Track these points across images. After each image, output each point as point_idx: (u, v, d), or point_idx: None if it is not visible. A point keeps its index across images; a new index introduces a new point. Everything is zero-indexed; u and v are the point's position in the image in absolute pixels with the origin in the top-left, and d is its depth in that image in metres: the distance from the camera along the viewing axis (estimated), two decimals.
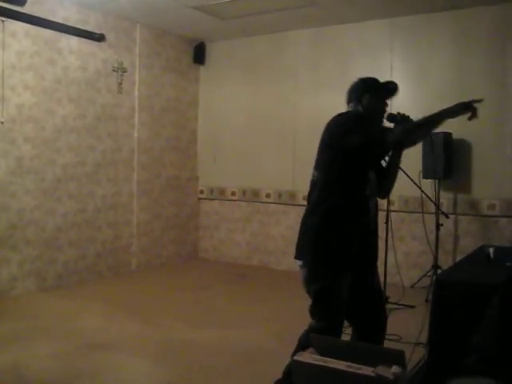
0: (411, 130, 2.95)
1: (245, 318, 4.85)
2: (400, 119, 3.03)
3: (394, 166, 3.06)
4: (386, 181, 3.06)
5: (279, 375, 3.03)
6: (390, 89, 3.11)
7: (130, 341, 4.21)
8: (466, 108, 2.93)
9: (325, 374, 2.24)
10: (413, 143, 3.04)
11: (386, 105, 3.10)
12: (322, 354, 2.38)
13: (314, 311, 2.96)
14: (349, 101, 3.15)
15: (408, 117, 3.04)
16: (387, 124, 3.04)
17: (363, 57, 6.54)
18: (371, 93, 3.06)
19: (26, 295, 5.50)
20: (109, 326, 4.58)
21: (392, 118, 3.04)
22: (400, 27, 6.29)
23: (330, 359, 2.30)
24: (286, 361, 2.91)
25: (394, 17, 6.24)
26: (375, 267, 3.14)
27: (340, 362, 2.27)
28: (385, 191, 3.14)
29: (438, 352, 3.11)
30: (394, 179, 3.08)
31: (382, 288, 3.65)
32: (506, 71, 5.70)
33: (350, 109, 3.13)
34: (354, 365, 2.24)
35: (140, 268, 6.86)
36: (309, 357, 2.36)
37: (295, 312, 5.06)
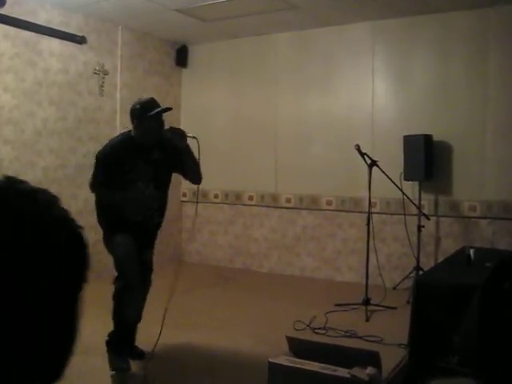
0: (104, 196, 3.71)
1: (226, 321, 4.84)
2: (172, 132, 3.65)
3: (186, 160, 3.70)
4: (187, 172, 3.82)
5: (257, 376, 3.03)
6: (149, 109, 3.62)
7: None
8: None
9: (300, 375, 2.25)
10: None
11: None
12: (297, 356, 2.39)
13: None
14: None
15: (178, 128, 3.77)
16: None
17: (345, 59, 6.57)
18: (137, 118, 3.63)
19: None
20: (95, 330, 4.53)
21: (167, 132, 3.65)
22: (382, 30, 6.33)
23: (305, 361, 2.31)
24: (263, 360, 2.90)
25: (375, 20, 6.28)
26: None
27: (315, 363, 2.28)
28: (193, 179, 3.85)
29: (418, 353, 3.13)
30: (193, 169, 3.75)
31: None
32: (487, 74, 5.76)
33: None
34: (330, 366, 2.25)
35: None
36: (284, 359, 2.37)
37: (276, 314, 5.08)
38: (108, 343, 3.70)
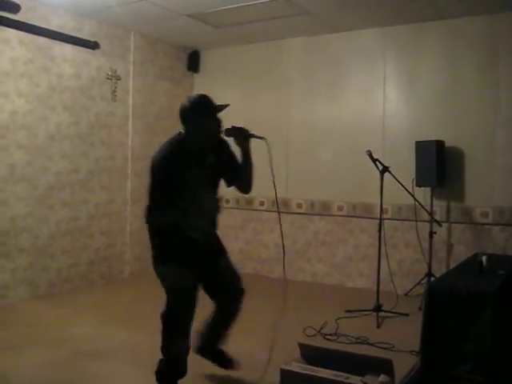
0: (168, 220, 3.17)
1: (237, 327, 4.83)
2: (235, 132, 3.26)
3: (244, 165, 3.35)
4: (240, 179, 3.41)
5: (271, 382, 3.03)
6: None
7: (123, 349, 4.19)
8: None
9: (313, 383, 2.24)
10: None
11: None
12: (309, 363, 2.38)
13: None
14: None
15: (242, 128, 3.31)
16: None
17: (356, 65, 6.57)
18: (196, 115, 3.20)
19: (18, 303, 5.47)
20: (101, 335, 4.56)
21: (228, 132, 3.26)
22: (392, 36, 6.32)
23: (318, 368, 2.30)
24: (275, 368, 2.89)
25: (386, 26, 6.27)
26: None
27: (328, 371, 2.27)
28: (244, 187, 3.47)
29: (430, 360, 3.11)
30: (248, 176, 3.41)
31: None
32: (498, 80, 5.73)
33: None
34: (342, 374, 2.24)
35: (133, 276, 6.83)
36: (297, 366, 2.36)
37: (287, 320, 5.06)
38: (157, 373, 3.33)
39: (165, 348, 3.29)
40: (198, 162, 3.17)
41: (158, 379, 3.32)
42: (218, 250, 3.48)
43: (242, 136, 3.24)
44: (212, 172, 3.25)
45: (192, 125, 3.18)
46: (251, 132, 3.23)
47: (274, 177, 3.33)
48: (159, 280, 3.27)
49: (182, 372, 3.35)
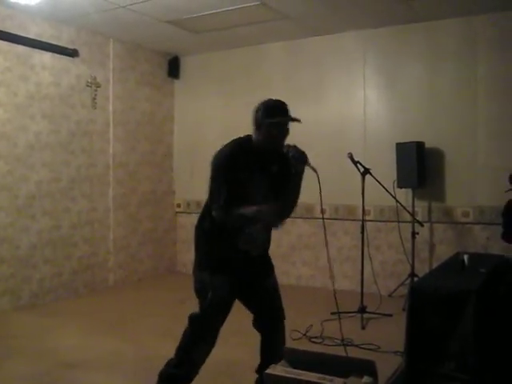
0: (234, 220, 2.93)
1: (221, 331, 4.82)
2: (295, 152, 3.05)
3: (291, 189, 3.13)
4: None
5: None
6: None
7: (108, 359, 4.16)
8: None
9: None
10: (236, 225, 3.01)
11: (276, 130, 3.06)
12: (293, 367, 2.38)
13: None
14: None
15: (303, 152, 3.10)
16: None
17: (337, 68, 6.62)
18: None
19: (0, 315, 5.40)
20: (86, 344, 4.52)
21: (289, 149, 3.06)
22: (372, 39, 6.38)
23: (301, 371, 2.30)
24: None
25: (366, 29, 6.32)
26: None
27: (312, 373, 2.27)
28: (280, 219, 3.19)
29: (415, 360, 3.13)
30: (290, 203, 3.18)
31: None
32: (477, 81, 5.81)
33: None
34: (326, 376, 2.24)
35: (117, 284, 6.79)
36: (281, 369, 2.35)
37: None
38: (161, 374, 3.17)
39: (182, 350, 3.12)
40: (262, 167, 3.04)
41: (161, 380, 3.16)
42: (267, 268, 3.27)
43: (301, 159, 3.06)
44: (274, 181, 3.09)
45: (258, 127, 3.08)
46: (309, 161, 3.10)
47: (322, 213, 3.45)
48: (195, 283, 3.11)
49: (190, 379, 3.17)
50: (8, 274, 5.58)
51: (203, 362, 3.13)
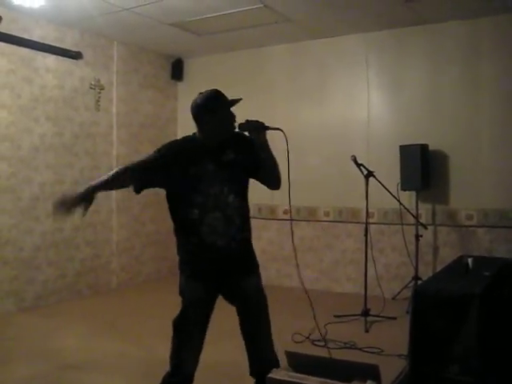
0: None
1: (224, 335, 4.82)
2: (249, 126, 3.06)
3: (263, 159, 3.14)
4: (264, 174, 3.21)
5: None
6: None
7: (111, 361, 4.16)
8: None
9: None
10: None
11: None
12: (296, 371, 2.37)
13: None
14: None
15: (257, 121, 3.09)
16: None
17: (340, 71, 6.61)
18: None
19: (4, 316, 5.41)
20: (89, 346, 4.52)
21: (243, 127, 3.07)
22: (375, 41, 6.37)
23: (304, 376, 2.29)
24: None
25: (368, 31, 6.32)
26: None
27: (315, 378, 2.26)
28: (271, 183, 3.33)
29: (418, 363, 3.12)
30: (272, 169, 3.23)
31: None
32: (480, 83, 5.80)
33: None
34: (329, 381, 2.23)
35: (120, 286, 6.79)
36: (284, 374, 2.35)
37: (275, 326, 5.05)
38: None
39: (172, 357, 3.10)
40: (212, 158, 2.98)
41: None
42: (247, 266, 3.15)
43: (257, 129, 3.06)
44: (231, 170, 3.02)
45: (204, 121, 3.03)
46: (266, 124, 3.08)
47: (289, 173, 3.31)
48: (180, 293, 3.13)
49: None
50: (12, 275, 5.59)
51: (194, 365, 3.09)
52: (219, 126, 3.01)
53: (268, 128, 3.08)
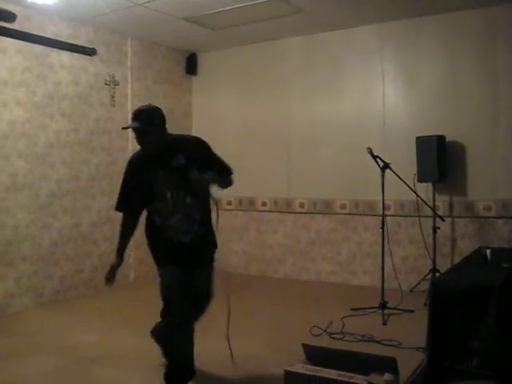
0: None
1: (242, 328, 4.83)
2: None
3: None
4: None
5: (272, 382, 3.02)
6: None
7: (129, 355, 4.18)
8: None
9: (317, 383, 2.23)
10: None
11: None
12: (314, 364, 2.37)
13: None
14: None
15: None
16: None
17: (354, 62, 6.56)
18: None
19: (23, 311, 5.47)
20: (107, 341, 4.55)
21: None
22: (390, 32, 6.31)
23: (321, 368, 2.29)
24: (280, 368, 2.88)
25: (383, 22, 6.26)
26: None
27: (332, 371, 2.25)
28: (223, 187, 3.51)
29: (437, 356, 3.09)
30: (221, 176, 3.42)
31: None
32: (497, 73, 5.71)
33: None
34: (347, 373, 2.23)
35: (138, 280, 6.83)
36: (301, 367, 2.35)
37: (293, 320, 5.06)
38: (166, 376, 3.36)
39: (168, 348, 3.41)
40: (162, 165, 3.27)
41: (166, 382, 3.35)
42: (203, 257, 3.51)
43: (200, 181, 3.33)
44: (183, 172, 3.25)
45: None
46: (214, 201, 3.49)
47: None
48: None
49: (189, 375, 3.38)
50: (31, 271, 5.64)
51: (191, 350, 3.38)
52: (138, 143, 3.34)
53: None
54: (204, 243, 3.47)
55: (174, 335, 3.28)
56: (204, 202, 3.43)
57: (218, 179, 3.40)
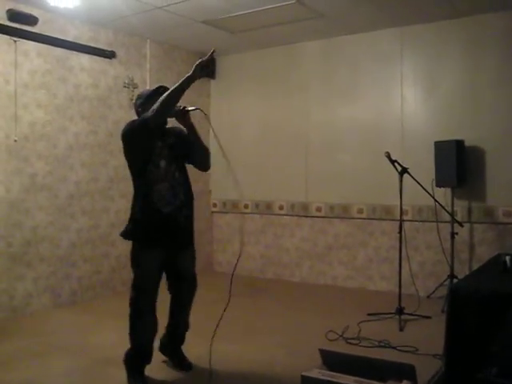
0: (163, 101, 3.46)
1: (258, 332, 4.83)
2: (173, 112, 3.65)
3: (194, 141, 3.72)
4: (195, 155, 3.78)
5: None
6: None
7: None
8: (204, 66, 3.65)
9: None
10: (169, 111, 3.57)
11: None
12: (331, 369, 2.35)
13: None
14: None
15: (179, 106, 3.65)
16: None
17: (374, 66, 6.53)
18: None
19: (41, 311, 5.52)
20: (124, 341, 4.56)
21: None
22: (410, 36, 6.27)
23: (338, 374, 2.27)
24: (296, 373, 2.86)
25: (403, 26, 6.23)
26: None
27: (349, 377, 2.24)
28: (201, 164, 3.87)
29: (455, 364, 3.06)
30: (202, 152, 3.80)
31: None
32: None
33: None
34: (364, 380, 2.21)
35: None
36: (317, 372, 2.34)
37: (309, 324, 5.04)
38: (125, 362, 3.69)
39: (130, 332, 3.66)
40: (161, 139, 3.63)
41: (125, 367, 3.66)
42: (187, 237, 3.76)
43: (177, 113, 3.59)
44: (176, 148, 3.67)
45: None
46: (182, 106, 3.61)
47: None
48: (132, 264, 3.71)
49: (146, 359, 3.66)
50: (49, 272, 5.70)
51: (148, 340, 3.64)
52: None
53: (187, 109, 3.63)
54: (188, 226, 3.72)
55: (135, 323, 3.60)
56: (189, 186, 3.75)
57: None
